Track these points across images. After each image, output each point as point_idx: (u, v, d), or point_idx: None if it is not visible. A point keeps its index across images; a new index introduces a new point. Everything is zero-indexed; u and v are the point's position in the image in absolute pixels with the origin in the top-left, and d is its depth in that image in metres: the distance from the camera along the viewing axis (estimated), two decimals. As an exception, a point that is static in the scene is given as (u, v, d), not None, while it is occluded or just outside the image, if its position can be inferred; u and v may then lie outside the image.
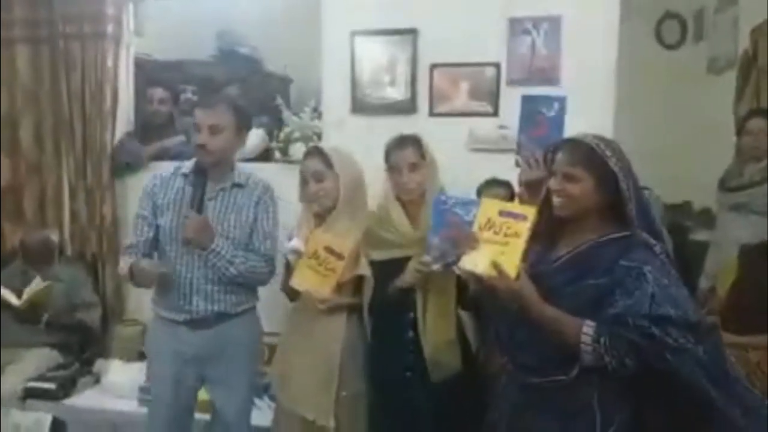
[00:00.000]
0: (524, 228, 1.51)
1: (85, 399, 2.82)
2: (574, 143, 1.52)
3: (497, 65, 2.62)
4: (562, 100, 1.89)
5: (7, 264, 3.17)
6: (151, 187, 2.16)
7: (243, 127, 2.14)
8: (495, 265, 1.46)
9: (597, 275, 1.45)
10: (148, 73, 3.57)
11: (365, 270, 2.03)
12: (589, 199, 1.49)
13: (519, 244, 1.50)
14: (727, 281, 2.68)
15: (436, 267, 1.86)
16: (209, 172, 2.09)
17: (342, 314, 2.06)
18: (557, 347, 1.46)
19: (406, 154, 2.02)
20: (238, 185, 2.14)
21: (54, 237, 3.10)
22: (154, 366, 2.24)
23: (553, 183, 1.54)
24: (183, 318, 2.11)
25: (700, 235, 3.55)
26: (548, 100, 1.91)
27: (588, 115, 2.43)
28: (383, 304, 2.03)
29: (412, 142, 2.04)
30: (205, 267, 2.08)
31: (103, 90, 3.11)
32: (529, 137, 1.87)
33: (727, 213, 3.12)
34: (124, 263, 2.12)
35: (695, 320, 1.41)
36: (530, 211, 1.53)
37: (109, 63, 3.11)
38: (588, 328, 1.41)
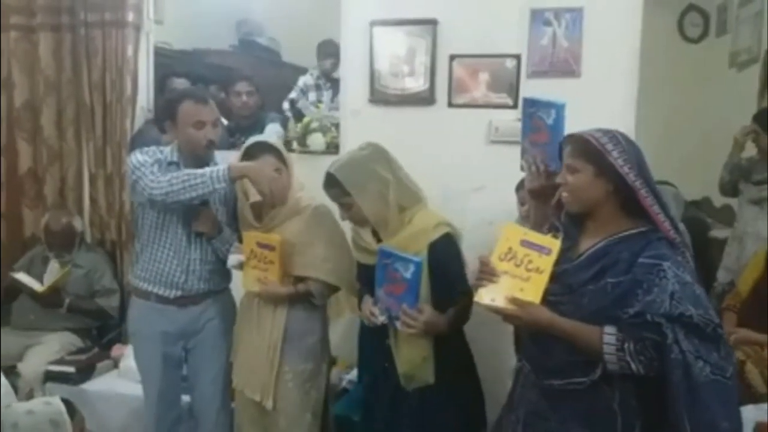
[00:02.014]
0: (548, 263, 1.46)
1: (103, 383, 2.85)
2: (575, 136, 1.54)
3: (517, 57, 2.60)
4: (559, 108, 1.72)
5: (28, 249, 3.22)
6: (156, 161, 2.16)
7: None
8: (514, 301, 1.46)
9: (617, 273, 1.43)
10: (167, 62, 3.60)
11: (313, 271, 2.11)
12: (591, 190, 1.49)
13: (541, 281, 1.46)
14: (749, 277, 2.65)
15: (382, 319, 1.88)
16: (199, 162, 2.17)
17: (285, 303, 2.14)
18: (579, 350, 1.45)
19: (333, 194, 1.98)
20: None
21: (77, 223, 3.14)
22: (142, 345, 2.32)
23: (559, 178, 1.55)
24: (174, 295, 2.22)
25: (719, 232, 3.52)
26: (547, 106, 1.73)
27: (609, 108, 2.43)
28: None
29: (334, 183, 1.95)
30: (201, 249, 2.21)
31: (123, 78, 3.14)
32: (532, 142, 1.75)
33: (749, 206, 3.09)
34: (190, 173, 2.04)
35: (717, 320, 1.38)
36: (555, 245, 1.49)
37: (130, 51, 3.14)
38: (609, 336, 1.40)
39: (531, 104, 1.79)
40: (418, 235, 1.91)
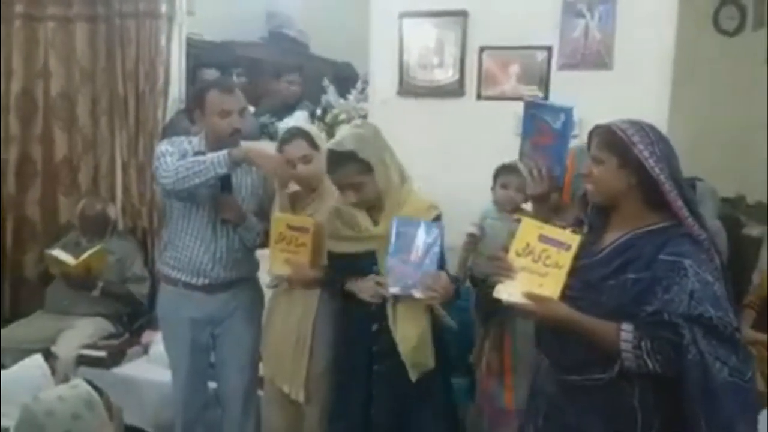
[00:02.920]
0: (566, 259, 1.45)
1: (133, 369, 2.91)
2: (601, 127, 1.51)
3: (549, 49, 2.57)
4: (569, 112, 1.68)
5: (63, 236, 3.30)
6: (183, 149, 2.19)
7: None
8: (530, 296, 1.44)
9: (637, 269, 1.41)
10: (198, 53, 3.64)
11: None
12: (613, 182, 1.47)
13: (559, 276, 1.44)
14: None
15: (394, 290, 1.85)
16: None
17: (316, 292, 2.12)
18: (596, 347, 1.44)
19: (343, 173, 1.90)
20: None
21: (111, 211, 3.21)
22: (170, 331, 2.35)
23: (584, 167, 1.53)
24: (201, 282, 2.23)
25: (753, 230, 3.44)
26: (555, 110, 1.70)
27: (641, 102, 2.39)
28: (343, 296, 2.01)
29: (346, 161, 1.88)
30: (227, 237, 2.22)
31: (156, 68, 3.20)
32: (534, 146, 1.72)
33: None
34: (194, 159, 2.05)
35: (735, 325, 1.35)
36: (574, 240, 1.46)
37: (163, 42, 3.19)
38: (626, 333, 1.38)
39: (533, 106, 1.76)
40: (413, 216, 1.90)
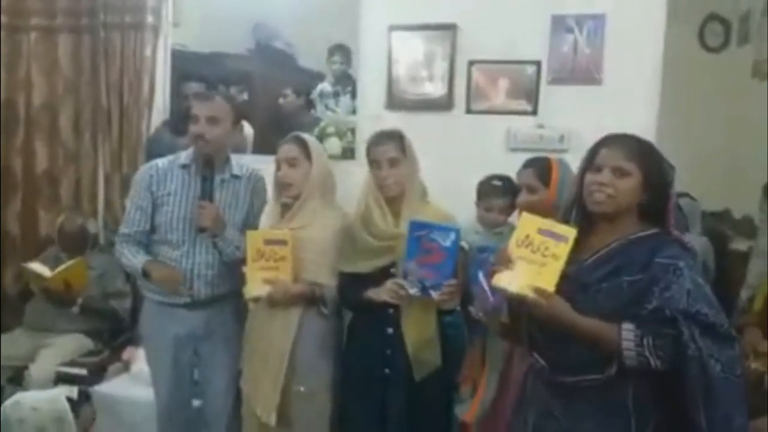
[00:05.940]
0: (564, 250, 1.48)
1: (114, 386, 2.85)
2: (626, 137, 1.51)
3: (538, 63, 2.58)
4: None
5: (43, 250, 3.23)
6: (148, 179, 2.21)
7: (238, 119, 2.26)
8: (530, 287, 1.46)
9: (632, 272, 1.44)
10: (183, 64, 3.60)
11: (324, 278, 2.08)
12: (635, 195, 1.48)
13: (557, 267, 1.47)
14: (764, 291, 2.60)
15: (413, 291, 1.90)
16: (209, 163, 2.18)
17: (297, 310, 2.09)
18: (596, 347, 1.44)
19: (386, 149, 2.01)
20: (236, 176, 2.26)
21: (91, 226, 3.15)
22: (153, 348, 2.33)
23: (600, 177, 1.49)
24: (183, 301, 2.22)
25: (740, 245, 3.45)
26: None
27: (630, 116, 2.40)
28: (363, 303, 2.03)
29: (393, 137, 2.03)
30: (207, 253, 2.20)
31: (140, 80, 3.16)
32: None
33: (770, 221, 3.01)
34: (128, 255, 2.21)
35: (728, 323, 1.41)
36: (571, 233, 1.50)
37: (148, 53, 3.15)
38: (628, 332, 1.40)
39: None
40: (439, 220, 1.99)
